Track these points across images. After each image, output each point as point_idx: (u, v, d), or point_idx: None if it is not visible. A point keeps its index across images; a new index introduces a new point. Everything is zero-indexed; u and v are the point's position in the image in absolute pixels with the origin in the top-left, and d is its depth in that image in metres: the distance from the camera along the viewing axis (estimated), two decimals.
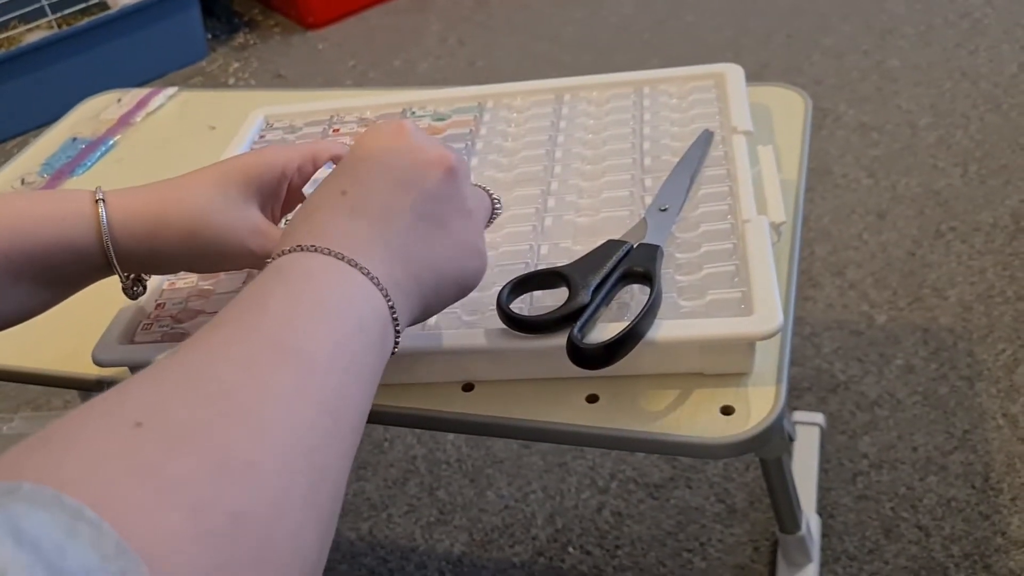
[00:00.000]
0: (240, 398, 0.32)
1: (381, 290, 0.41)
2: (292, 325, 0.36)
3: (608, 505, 1.04)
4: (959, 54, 1.68)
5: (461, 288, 0.47)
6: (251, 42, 2.33)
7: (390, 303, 0.41)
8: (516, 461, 1.10)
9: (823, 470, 1.02)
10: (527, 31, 2.13)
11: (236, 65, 2.23)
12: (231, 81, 2.17)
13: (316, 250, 0.41)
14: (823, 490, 1.00)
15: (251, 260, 0.54)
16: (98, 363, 0.60)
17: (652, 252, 0.57)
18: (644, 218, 0.61)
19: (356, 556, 1.03)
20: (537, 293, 0.58)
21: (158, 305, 0.64)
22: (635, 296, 0.57)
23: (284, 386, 0.34)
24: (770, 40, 1.86)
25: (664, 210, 0.62)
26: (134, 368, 0.61)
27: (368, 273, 0.41)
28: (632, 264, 0.56)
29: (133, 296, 0.56)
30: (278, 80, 2.14)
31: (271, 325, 0.36)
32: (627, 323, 0.51)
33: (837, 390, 1.10)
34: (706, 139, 0.68)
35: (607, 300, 0.55)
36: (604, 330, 0.53)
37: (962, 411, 1.06)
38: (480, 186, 0.52)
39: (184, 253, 0.53)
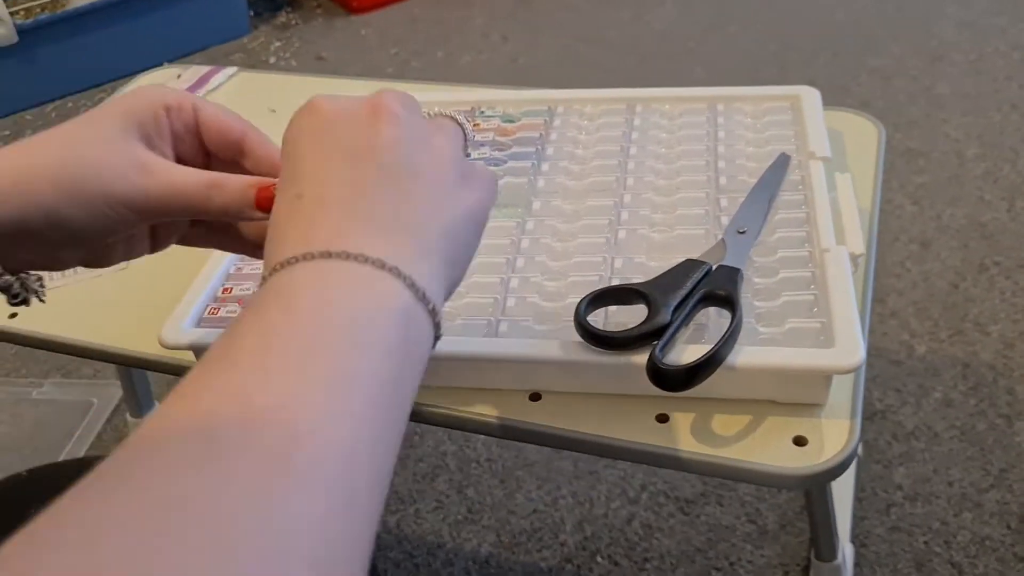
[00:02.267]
0: (188, 535, 0.23)
1: (402, 279, 0.33)
2: (273, 383, 0.28)
3: (638, 516, 1.03)
4: (1010, 86, 1.67)
5: (474, 223, 0.40)
6: (293, 22, 2.33)
7: (420, 291, 0.34)
8: (547, 465, 1.10)
9: (857, 499, 1.02)
10: (570, 31, 2.12)
11: (277, 44, 2.23)
12: (272, 60, 2.17)
13: (292, 262, 0.33)
14: (856, 519, 1.00)
15: (142, 200, 0.45)
16: (165, 345, 0.59)
17: (733, 275, 0.56)
18: (723, 239, 0.61)
19: (382, 548, 1.03)
20: (612, 308, 0.58)
21: (225, 289, 0.64)
22: (711, 317, 0.57)
23: (259, 489, 0.25)
24: (816, 57, 1.85)
25: (742, 232, 0.61)
26: (198, 351, 0.61)
27: (383, 264, 0.33)
28: (713, 286, 0.56)
29: (17, 301, 0.47)
30: (319, 63, 2.13)
31: (245, 392, 0.28)
32: (709, 347, 0.51)
33: (874, 419, 1.10)
34: (783, 163, 0.68)
35: (687, 321, 0.54)
36: (682, 352, 0.53)
37: (1000, 449, 1.05)
38: (442, 113, 0.44)
39: (60, 203, 0.43)
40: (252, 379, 0.28)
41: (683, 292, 0.55)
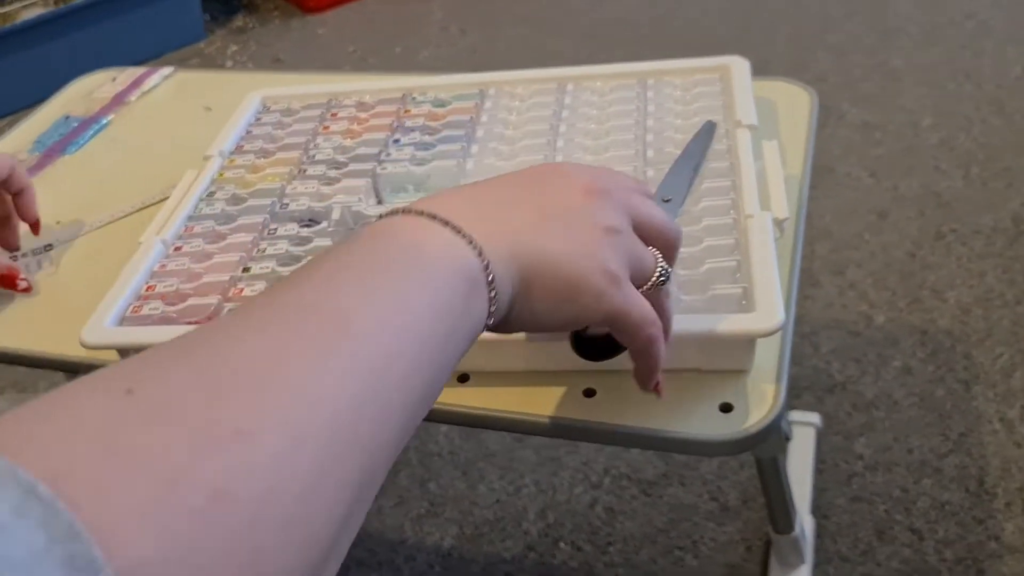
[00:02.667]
0: (246, 361, 0.28)
1: (474, 247, 0.36)
2: (335, 283, 0.32)
3: (601, 501, 1.03)
4: (964, 55, 1.67)
5: (573, 288, 0.40)
6: (250, 25, 2.31)
7: (485, 262, 0.36)
8: (509, 455, 1.09)
9: (818, 470, 1.01)
10: (529, 21, 2.12)
11: (234, 48, 2.21)
12: (229, 64, 2.15)
13: (404, 212, 0.37)
14: (817, 491, 1.00)
15: None
16: (86, 345, 0.58)
17: None
18: None
19: None
20: None
21: (148, 287, 0.63)
22: None
23: (305, 349, 0.29)
24: (774, 36, 1.85)
25: (667, 201, 0.61)
26: (122, 350, 0.60)
27: (460, 230, 0.36)
28: None
29: None
30: (276, 64, 2.12)
31: (311, 285, 0.32)
32: None
33: (834, 390, 1.10)
34: (708, 130, 0.67)
35: None
36: None
37: (958, 414, 1.05)
38: (654, 253, 0.44)
39: None
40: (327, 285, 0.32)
41: None
